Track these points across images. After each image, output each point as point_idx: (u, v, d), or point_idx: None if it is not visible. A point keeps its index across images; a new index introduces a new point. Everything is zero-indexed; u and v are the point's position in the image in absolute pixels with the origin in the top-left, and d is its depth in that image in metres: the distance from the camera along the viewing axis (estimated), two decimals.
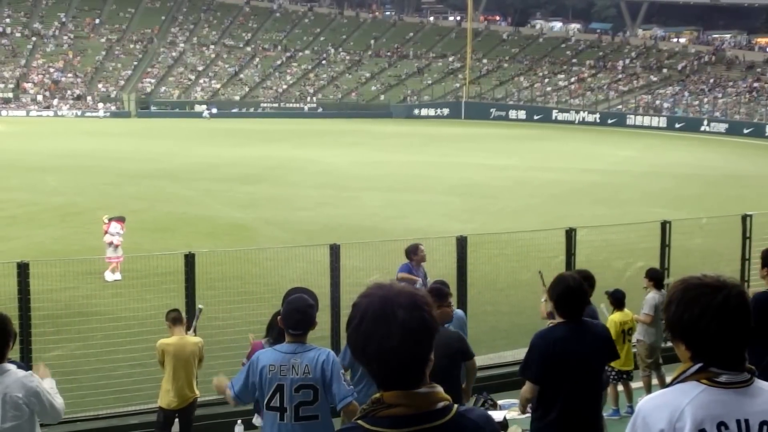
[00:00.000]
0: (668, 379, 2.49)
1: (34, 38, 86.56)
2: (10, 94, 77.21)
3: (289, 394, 5.08)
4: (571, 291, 5.50)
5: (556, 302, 5.57)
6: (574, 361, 5.41)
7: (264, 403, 5.14)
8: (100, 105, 75.98)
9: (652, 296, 9.89)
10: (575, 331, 5.48)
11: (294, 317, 5.19)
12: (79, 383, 10.10)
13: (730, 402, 2.41)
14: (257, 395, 5.21)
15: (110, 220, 16.56)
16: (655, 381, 9.82)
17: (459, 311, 8.27)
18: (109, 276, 15.91)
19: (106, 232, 16.38)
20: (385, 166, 36.78)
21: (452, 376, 6.23)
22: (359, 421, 2.26)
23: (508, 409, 9.32)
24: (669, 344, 11.12)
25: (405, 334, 2.20)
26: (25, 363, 7.78)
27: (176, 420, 8.61)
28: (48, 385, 5.04)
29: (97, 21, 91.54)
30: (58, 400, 4.98)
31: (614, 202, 26.65)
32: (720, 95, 71.11)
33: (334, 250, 10.71)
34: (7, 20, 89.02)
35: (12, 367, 4.84)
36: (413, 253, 10.97)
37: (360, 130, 58.88)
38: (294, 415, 5.09)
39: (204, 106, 74.67)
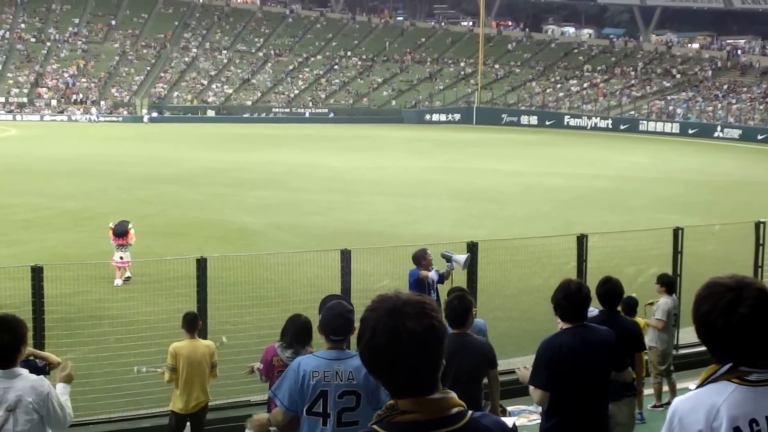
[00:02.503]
0: (681, 386, 2.54)
1: (48, 43, 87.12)
2: (25, 99, 77.74)
3: (333, 401, 5.10)
4: (570, 295, 5.59)
5: (557, 306, 5.67)
6: (578, 365, 5.48)
7: (305, 408, 5.15)
8: (94, 110, 76.05)
9: (665, 301, 9.83)
10: (579, 336, 5.56)
11: (336, 323, 5.21)
12: (92, 386, 10.16)
13: (760, 399, 2.46)
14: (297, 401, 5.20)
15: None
16: (665, 388, 9.79)
17: (480, 321, 8.27)
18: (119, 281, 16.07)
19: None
20: (396, 171, 36.80)
21: (478, 383, 6.28)
22: (374, 426, 2.30)
23: (518, 416, 9.32)
24: (681, 351, 11.14)
25: (416, 343, 2.24)
26: (41, 365, 7.81)
27: (188, 424, 8.64)
28: (59, 390, 5.05)
29: (113, 23, 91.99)
30: (66, 410, 4.94)
31: (624, 208, 26.58)
32: (734, 101, 70.78)
33: (345, 256, 10.71)
34: (22, 26, 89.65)
35: (24, 371, 4.86)
36: (422, 258, 10.97)
37: (371, 135, 58.93)
38: (336, 421, 5.12)
39: (144, 110, 75.07)
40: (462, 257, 10.81)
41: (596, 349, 5.55)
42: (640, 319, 9.50)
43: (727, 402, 2.45)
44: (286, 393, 5.17)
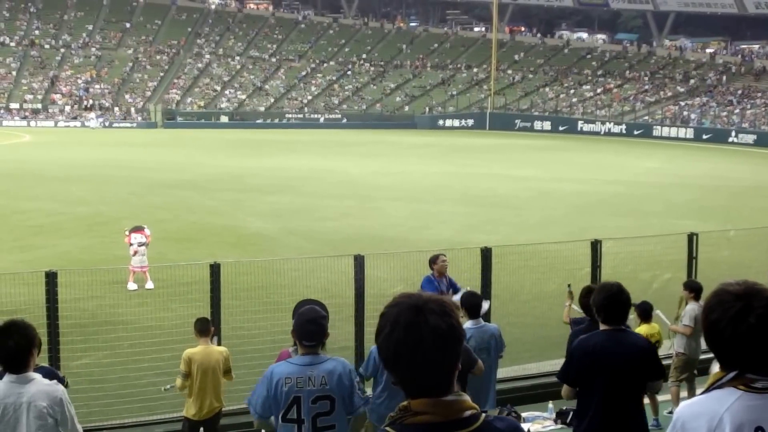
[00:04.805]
0: (700, 390, 2.55)
1: (62, 50, 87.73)
2: (39, 105, 78.28)
3: (307, 406, 5.12)
4: (613, 298, 5.59)
5: (598, 309, 5.67)
6: (610, 367, 5.45)
7: (280, 415, 5.17)
8: (92, 114, 76.30)
9: (692, 307, 9.75)
10: (614, 338, 5.55)
11: (307, 329, 5.21)
12: (105, 392, 10.20)
13: (766, 407, 2.45)
14: (273, 408, 5.24)
15: (130, 231, 16.69)
16: (684, 393, 9.71)
17: (494, 326, 8.22)
18: (131, 286, 16.00)
19: (129, 244, 16.51)
20: (409, 176, 36.79)
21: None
22: (387, 428, 2.28)
23: (532, 422, 9.27)
24: (702, 356, 11.06)
25: (436, 340, 2.23)
26: (62, 376, 7.85)
27: (201, 430, 8.64)
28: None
29: (127, 28, 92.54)
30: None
31: (638, 213, 26.43)
32: (748, 106, 70.41)
33: (359, 261, 10.72)
34: (36, 32, 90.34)
35: (37, 376, 4.85)
36: (433, 262, 10.95)
37: (384, 141, 58.97)
38: (312, 426, 5.14)
39: (92, 115, 75.49)
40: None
41: (630, 354, 5.52)
42: (655, 324, 9.50)
43: (731, 409, 2.44)
44: (259, 401, 5.23)
